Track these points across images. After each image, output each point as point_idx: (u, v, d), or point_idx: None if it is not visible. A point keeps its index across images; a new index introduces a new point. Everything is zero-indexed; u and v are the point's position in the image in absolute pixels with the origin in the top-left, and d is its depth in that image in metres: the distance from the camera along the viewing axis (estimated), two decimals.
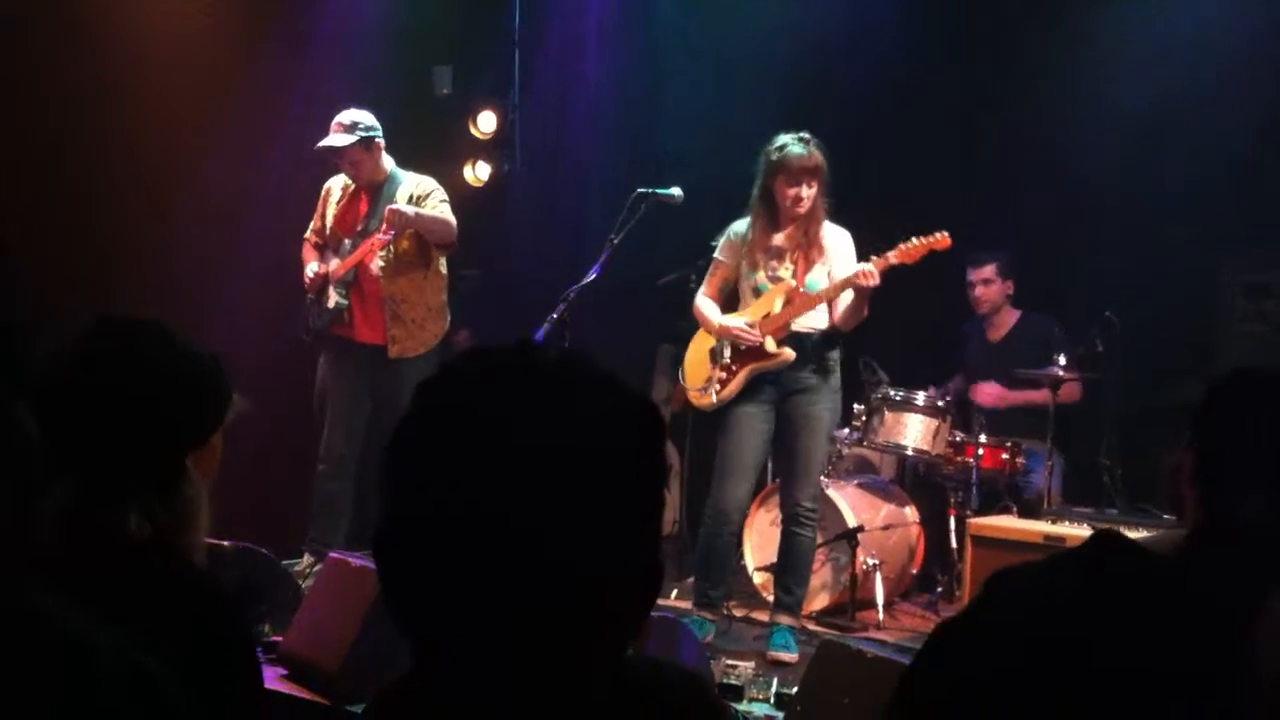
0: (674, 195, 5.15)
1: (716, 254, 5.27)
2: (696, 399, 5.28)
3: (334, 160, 5.64)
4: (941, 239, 4.88)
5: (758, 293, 5.14)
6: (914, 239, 4.90)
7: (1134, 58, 6.24)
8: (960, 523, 5.79)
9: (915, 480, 6.48)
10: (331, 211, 5.78)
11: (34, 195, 5.78)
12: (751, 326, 5.08)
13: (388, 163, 5.68)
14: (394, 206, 5.49)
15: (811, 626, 5.47)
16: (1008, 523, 5.53)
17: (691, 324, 6.62)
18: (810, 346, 5.06)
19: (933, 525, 6.16)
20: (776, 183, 5.01)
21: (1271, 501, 1.40)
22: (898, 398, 5.92)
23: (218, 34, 6.37)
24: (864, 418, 6.08)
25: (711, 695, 1.31)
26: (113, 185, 6.01)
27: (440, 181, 5.84)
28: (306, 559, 5.60)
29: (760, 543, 5.93)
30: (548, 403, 1.12)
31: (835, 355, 5.13)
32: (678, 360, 7.38)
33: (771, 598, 5.77)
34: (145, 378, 1.81)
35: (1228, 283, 6.02)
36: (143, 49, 6.14)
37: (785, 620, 5.11)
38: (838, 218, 5.16)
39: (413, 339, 5.68)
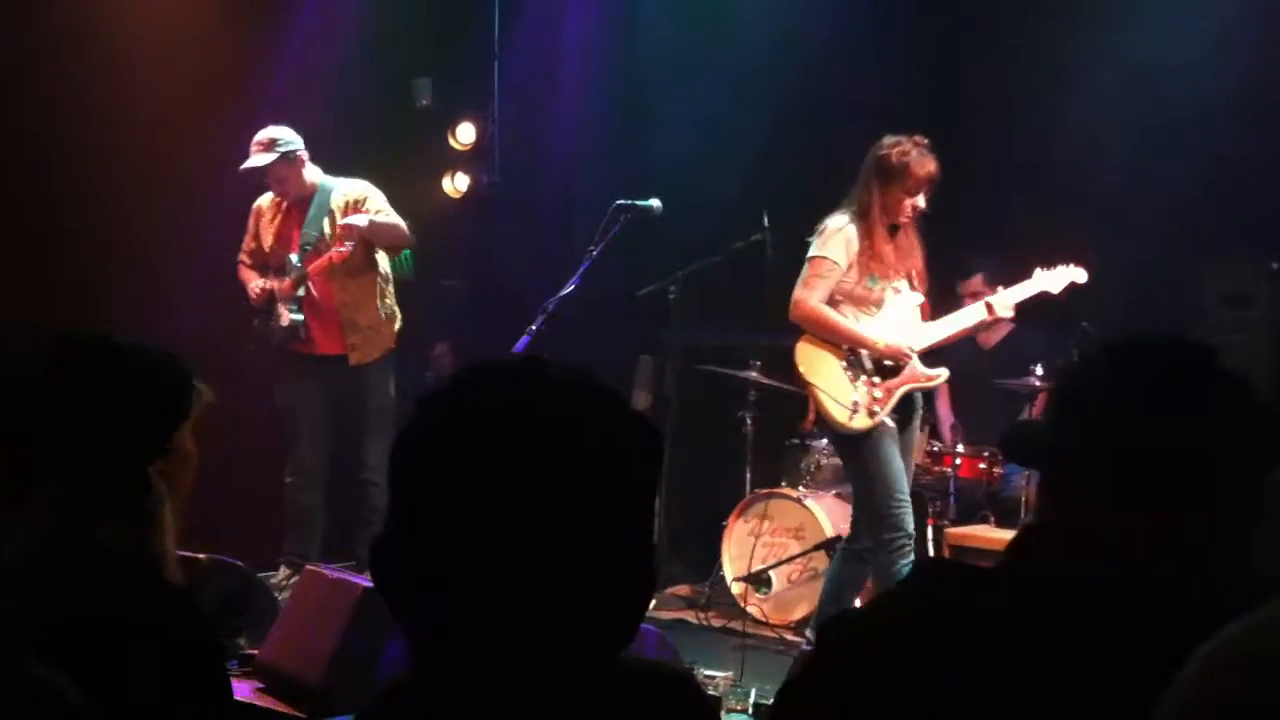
0: (653, 207, 5.15)
1: (825, 254, 4.75)
2: (845, 421, 4.72)
3: (260, 180, 5.64)
4: (1080, 271, 4.97)
5: (880, 304, 4.80)
6: (1051, 270, 4.97)
7: (1117, 70, 6.27)
8: (938, 532, 5.81)
9: None
10: (267, 230, 5.77)
11: (9, 200, 5.76)
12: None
13: (314, 174, 5.70)
14: (346, 221, 5.51)
15: (789, 636, 5.48)
16: (986, 532, 5.56)
17: (675, 336, 6.64)
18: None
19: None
20: (891, 189, 4.68)
21: (1118, 500, 1.40)
22: None
23: (196, 44, 6.37)
24: None
25: (701, 693, 1.34)
26: (89, 194, 6.00)
27: (419, 193, 5.87)
28: (283, 571, 5.58)
29: (739, 553, 5.94)
30: (554, 416, 1.14)
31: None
32: (658, 371, 7.40)
33: (751, 608, 5.79)
34: (93, 388, 1.80)
35: (1209, 292, 6.05)
36: (121, 61, 6.14)
37: None
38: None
39: (371, 345, 5.71)
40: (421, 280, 6.30)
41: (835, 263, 4.72)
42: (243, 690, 3.88)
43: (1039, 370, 5.83)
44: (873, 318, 4.79)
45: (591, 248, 5.04)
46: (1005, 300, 4.90)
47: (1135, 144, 6.17)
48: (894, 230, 4.77)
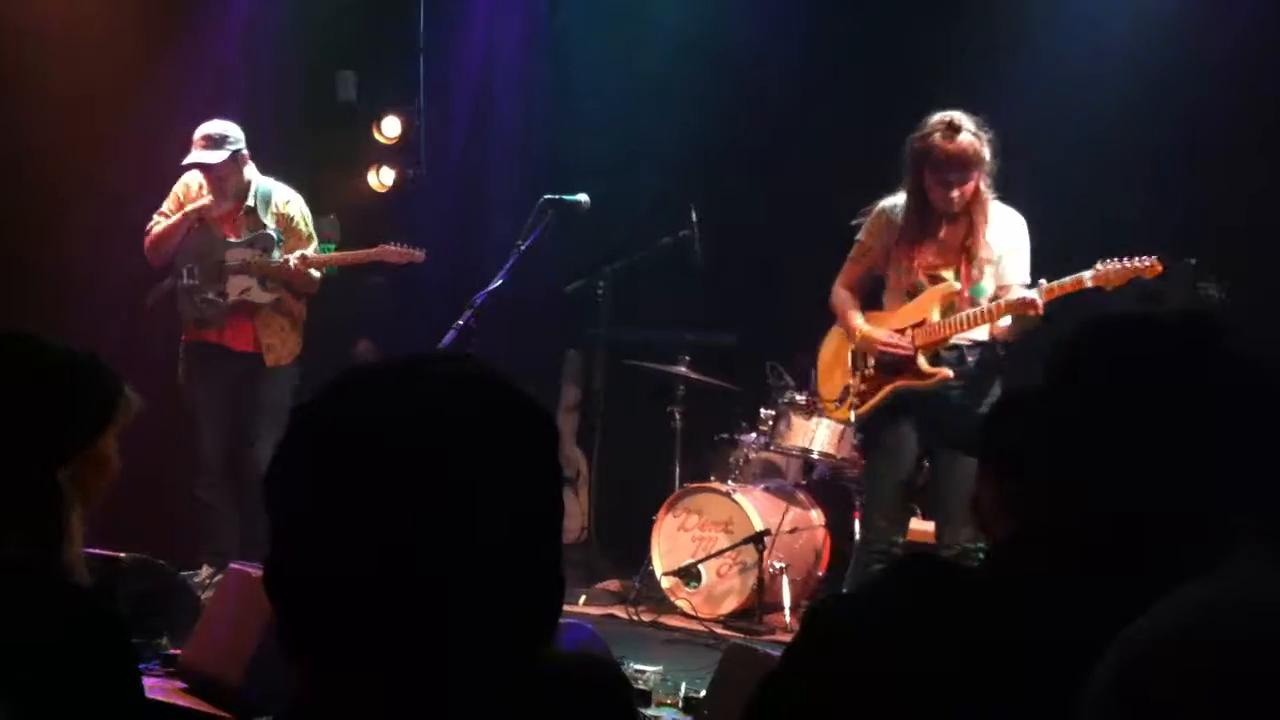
0: (580, 202, 5.14)
1: (860, 235, 4.54)
2: (830, 411, 4.74)
3: (210, 184, 5.54)
4: (1151, 265, 4.32)
5: (912, 294, 4.49)
6: (1113, 262, 4.28)
7: (1040, 69, 6.36)
8: None
9: (821, 484, 6.54)
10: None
11: None
12: (900, 335, 4.45)
13: (250, 170, 5.62)
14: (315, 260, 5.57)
15: (719, 630, 5.50)
16: (912, 525, 5.61)
17: (603, 331, 6.65)
18: (965, 361, 4.43)
19: (839, 528, 6.21)
20: (922, 175, 4.33)
21: (1086, 505, 1.46)
22: (803, 402, 5.97)
23: (116, 36, 6.25)
24: (770, 422, 6.13)
25: (623, 678, 1.32)
26: (7, 187, 5.87)
27: (345, 187, 5.80)
28: (205, 570, 5.50)
29: (668, 548, 5.94)
30: (432, 410, 1.11)
31: (994, 372, 4.44)
32: (586, 367, 7.40)
33: (680, 602, 5.81)
34: (14, 391, 1.76)
35: (1123, 291, 6.14)
36: (39, 51, 6.01)
37: None
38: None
39: (285, 347, 5.67)
40: (345, 276, 6.23)
41: (868, 246, 4.54)
42: (166, 690, 3.82)
43: None
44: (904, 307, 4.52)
45: (519, 243, 5.02)
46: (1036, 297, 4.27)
47: (1054, 143, 6.26)
48: (952, 218, 4.39)
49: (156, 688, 3.79)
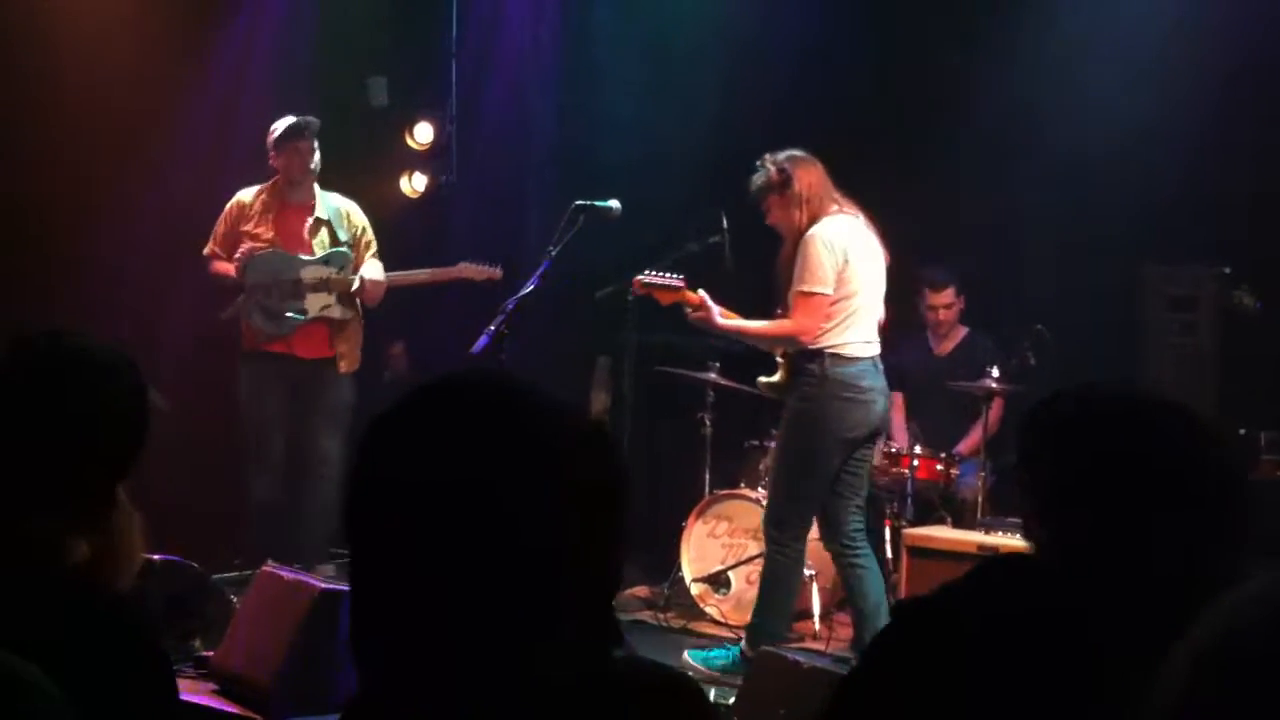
0: (612, 208, 5.14)
1: None
2: None
3: (293, 160, 5.63)
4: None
5: None
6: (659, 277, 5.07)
7: (1065, 73, 6.33)
8: (895, 534, 5.83)
9: None
10: (261, 225, 5.67)
11: None
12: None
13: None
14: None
15: None
16: (942, 533, 5.58)
17: (632, 337, 6.63)
18: (789, 365, 5.07)
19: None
20: None
21: (1096, 521, 1.55)
22: None
23: (149, 44, 6.29)
24: None
25: (701, 695, 1.35)
26: (49, 195, 5.93)
27: (377, 193, 5.86)
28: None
29: (697, 555, 5.94)
30: (480, 443, 1.18)
31: (800, 371, 5.00)
32: (616, 373, 7.39)
33: (710, 608, 5.80)
34: (72, 404, 1.72)
35: (1154, 295, 6.11)
36: (73, 59, 6.06)
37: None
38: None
39: (355, 353, 5.84)
40: None
41: None
42: (199, 693, 3.84)
43: (994, 373, 5.86)
44: None
45: (550, 248, 5.03)
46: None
47: (1084, 147, 6.22)
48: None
49: (188, 689, 3.82)
